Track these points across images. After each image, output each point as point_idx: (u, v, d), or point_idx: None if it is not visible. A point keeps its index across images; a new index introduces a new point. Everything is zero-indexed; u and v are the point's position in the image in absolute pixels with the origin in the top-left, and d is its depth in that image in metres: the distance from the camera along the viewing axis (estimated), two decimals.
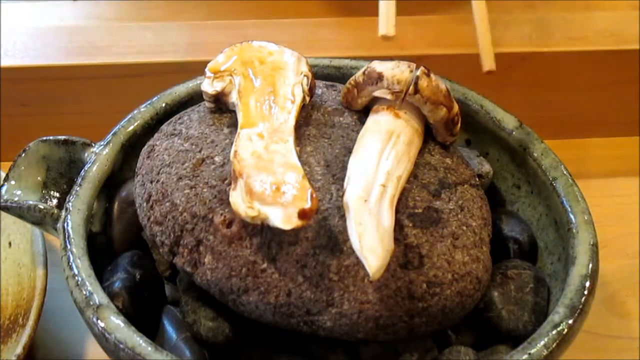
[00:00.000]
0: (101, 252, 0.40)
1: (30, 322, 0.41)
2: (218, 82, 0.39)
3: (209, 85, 0.39)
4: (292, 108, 0.38)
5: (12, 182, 0.41)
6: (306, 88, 0.39)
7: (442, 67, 0.45)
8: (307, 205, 0.32)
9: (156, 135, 0.40)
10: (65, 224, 0.38)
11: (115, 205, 0.41)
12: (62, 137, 0.42)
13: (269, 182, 0.33)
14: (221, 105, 0.40)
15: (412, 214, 0.36)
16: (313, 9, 0.63)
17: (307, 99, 0.39)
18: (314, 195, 0.33)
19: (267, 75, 0.39)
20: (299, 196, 0.33)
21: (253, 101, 0.38)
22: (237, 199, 0.33)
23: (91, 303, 0.35)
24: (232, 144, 0.36)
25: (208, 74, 0.39)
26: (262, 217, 0.32)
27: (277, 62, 0.39)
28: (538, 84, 0.58)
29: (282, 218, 0.32)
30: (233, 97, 0.39)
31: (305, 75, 0.39)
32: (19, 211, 0.40)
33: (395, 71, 0.37)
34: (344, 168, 0.36)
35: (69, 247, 0.37)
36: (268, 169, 0.34)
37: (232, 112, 0.39)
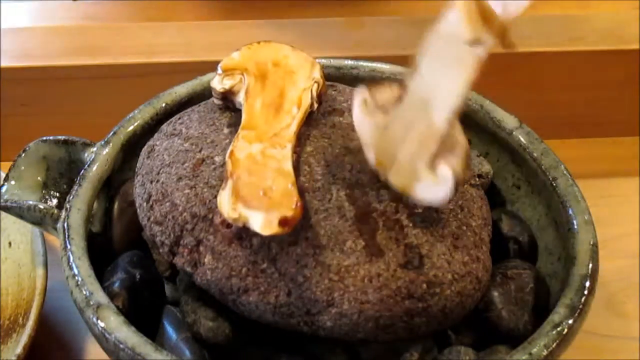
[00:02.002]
0: (101, 252, 0.40)
1: (30, 322, 0.41)
2: (228, 79, 0.38)
3: (218, 83, 0.39)
4: (297, 114, 0.37)
5: (12, 182, 0.41)
6: (315, 94, 0.38)
7: None
8: (290, 213, 0.32)
9: (156, 135, 0.40)
10: (65, 224, 0.38)
11: (115, 205, 0.41)
12: (62, 137, 0.42)
13: (257, 186, 0.33)
14: (229, 104, 0.39)
15: (412, 214, 0.36)
16: (313, 9, 0.63)
17: (315, 105, 0.38)
18: (299, 205, 0.32)
19: (278, 78, 0.38)
20: (283, 203, 0.32)
21: (259, 103, 0.37)
22: (224, 199, 0.33)
23: (91, 303, 0.35)
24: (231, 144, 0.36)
25: (219, 71, 0.39)
26: (242, 219, 0.32)
27: (291, 66, 0.39)
28: (538, 84, 0.58)
29: (262, 223, 0.32)
30: (241, 97, 0.38)
31: (316, 82, 0.38)
32: (19, 211, 0.40)
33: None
34: (344, 168, 0.36)
35: (69, 247, 0.37)
36: (259, 173, 0.34)
37: (233, 112, 0.39)
